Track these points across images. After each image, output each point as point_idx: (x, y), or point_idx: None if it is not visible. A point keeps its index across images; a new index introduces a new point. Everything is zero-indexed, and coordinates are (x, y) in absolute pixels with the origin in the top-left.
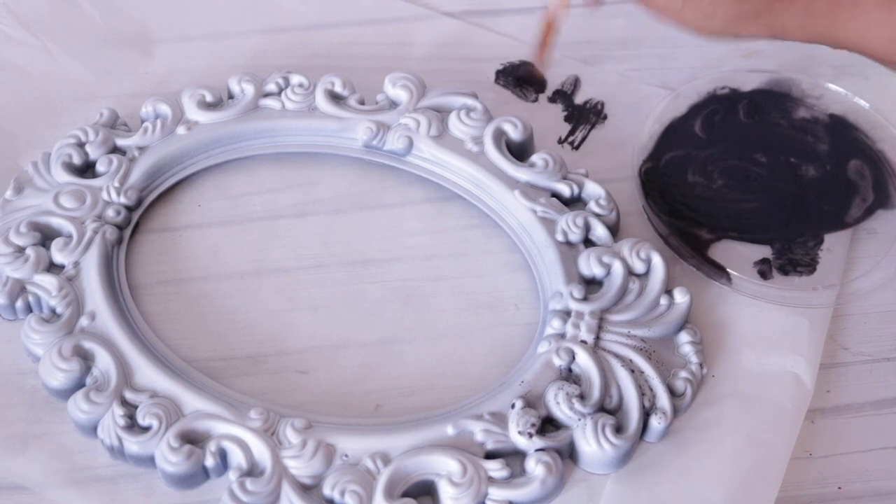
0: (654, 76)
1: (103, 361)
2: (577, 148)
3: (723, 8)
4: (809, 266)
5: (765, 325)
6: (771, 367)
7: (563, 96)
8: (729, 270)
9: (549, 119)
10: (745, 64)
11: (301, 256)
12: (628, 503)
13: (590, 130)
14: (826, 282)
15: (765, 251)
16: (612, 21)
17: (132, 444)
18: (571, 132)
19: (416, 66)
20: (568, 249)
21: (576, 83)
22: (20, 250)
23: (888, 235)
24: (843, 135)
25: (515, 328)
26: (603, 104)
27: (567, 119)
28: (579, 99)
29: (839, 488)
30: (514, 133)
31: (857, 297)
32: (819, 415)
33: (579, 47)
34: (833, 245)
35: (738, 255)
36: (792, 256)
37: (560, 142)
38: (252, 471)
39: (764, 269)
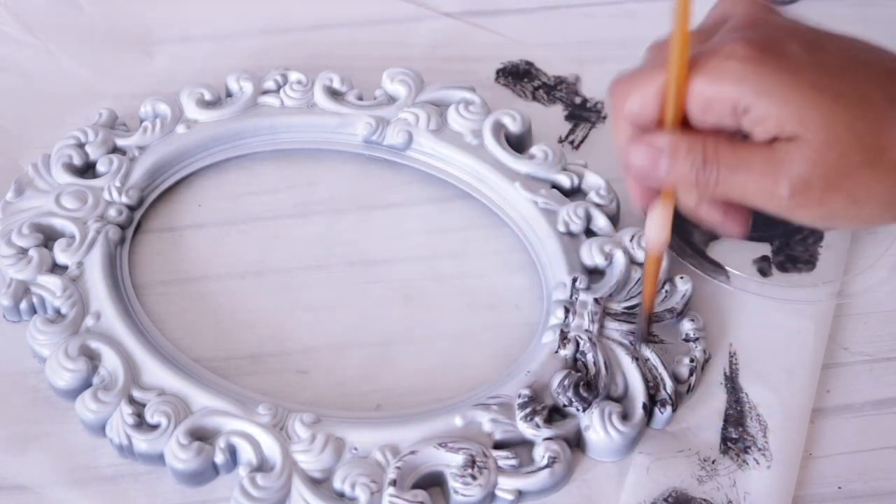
0: None
1: (110, 361)
2: (577, 147)
3: (878, 189)
4: (809, 263)
5: (765, 323)
6: (771, 365)
7: (563, 97)
8: (728, 268)
9: (549, 118)
10: None
11: (301, 256)
12: (626, 495)
13: (590, 130)
14: (826, 279)
15: (764, 248)
16: (612, 21)
17: (141, 443)
18: (571, 131)
19: (416, 66)
20: (570, 240)
21: (576, 83)
22: (23, 252)
23: (888, 233)
24: None
25: (516, 328)
26: (603, 104)
27: (567, 118)
28: (579, 99)
29: (839, 488)
30: (513, 125)
31: (856, 295)
32: (819, 415)
33: (579, 47)
34: (833, 242)
35: (738, 252)
36: (791, 253)
37: (560, 141)
38: (262, 466)
39: (763, 267)
